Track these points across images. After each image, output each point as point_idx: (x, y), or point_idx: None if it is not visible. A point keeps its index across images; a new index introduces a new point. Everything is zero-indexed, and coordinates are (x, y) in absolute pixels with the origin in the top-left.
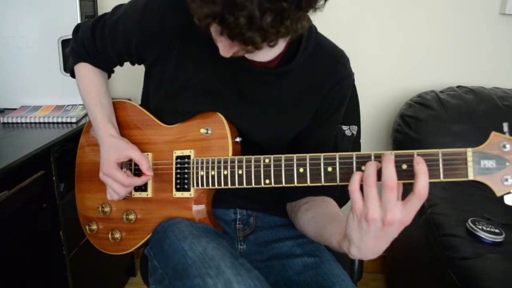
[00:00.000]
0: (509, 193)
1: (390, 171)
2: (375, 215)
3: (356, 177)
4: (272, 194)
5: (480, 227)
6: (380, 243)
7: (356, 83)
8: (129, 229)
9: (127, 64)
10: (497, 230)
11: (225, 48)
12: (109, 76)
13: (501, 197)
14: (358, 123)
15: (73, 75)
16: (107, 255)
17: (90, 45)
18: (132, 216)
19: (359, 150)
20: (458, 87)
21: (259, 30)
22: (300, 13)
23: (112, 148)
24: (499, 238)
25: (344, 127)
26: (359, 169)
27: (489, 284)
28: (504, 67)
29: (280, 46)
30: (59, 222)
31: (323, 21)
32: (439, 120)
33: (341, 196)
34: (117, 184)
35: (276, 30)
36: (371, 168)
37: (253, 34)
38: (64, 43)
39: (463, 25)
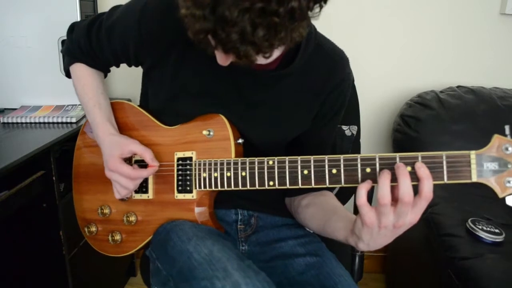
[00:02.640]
0: (511, 194)
1: (407, 187)
2: (388, 223)
3: (362, 191)
4: (273, 194)
5: (480, 227)
6: (388, 239)
7: (356, 83)
8: (130, 231)
9: (126, 65)
10: (497, 230)
11: (222, 59)
12: (105, 76)
13: (503, 198)
14: (358, 123)
15: (68, 75)
16: (107, 255)
17: (86, 46)
18: (132, 218)
19: (359, 150)
20: (458, 87)
21: (252, 44)
22: (294, 24)
23: (113, 144)
24: (499, 238)
25: (344, 127)
26: (363, 171)
27: (489, 284)
28: (504, 67)
29: (279, 49)
30: (59, 222)
31: (323, 21)
32: (439, 120)
33: (341, 195)
34: (124, 178)
35: (270, 43)
36: (386, 186)
37: (247, 48)
38: (64, 43)
39: (463, 25)
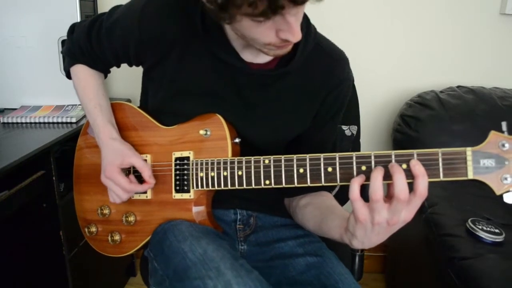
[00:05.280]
0: (508, 191)
1: (402, 185)
2: (381, 220)
3: (355, 185)
4: (272, 194)
5: (480, 227)
6: (382, 237)
7: (356, 83)
8: (129, 231)
9: (126, 65)
10: (497, 230)
11: (298, 25)
12: (105, 76)
13: (500, 196)
14: (357, 123)
15: (69, 76)
16: (107, 255)
17: (87, 47)
18: (131, 218)
19: (359, 150)
20: (458, 87)
21: None
22: None
23: (115, 153)
24: (499, 238)
25: (344, 127)
26: (359, 168)
27: (489, 283)
28: (504, 67)
29: None
30: (59, 222)
31: (323, 21)
32: (439, 120)
33: (341, 195)
34: (119, 188)
35: None
36: (377, 182)
37: None
38: (64, 43)
39: (463, 25)
